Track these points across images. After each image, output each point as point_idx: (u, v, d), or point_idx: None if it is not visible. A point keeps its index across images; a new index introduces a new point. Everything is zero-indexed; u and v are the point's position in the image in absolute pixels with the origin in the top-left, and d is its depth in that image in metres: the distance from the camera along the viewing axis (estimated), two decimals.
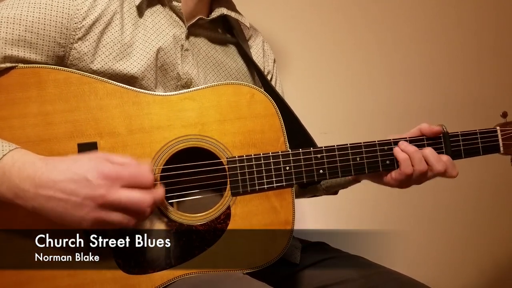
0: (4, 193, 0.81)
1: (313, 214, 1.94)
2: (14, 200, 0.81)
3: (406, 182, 1.03)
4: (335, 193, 1.26)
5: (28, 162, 0.81)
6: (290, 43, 1.93)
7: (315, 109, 1.93)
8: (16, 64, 0.91)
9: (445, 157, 1.02)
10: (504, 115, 1.09)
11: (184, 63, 1.07)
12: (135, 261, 0.92)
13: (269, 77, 1.25)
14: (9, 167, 0.81)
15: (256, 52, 1.23)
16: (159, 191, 0.85)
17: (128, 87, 0.95)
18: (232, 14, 1.14)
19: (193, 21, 1.08)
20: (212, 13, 1.13)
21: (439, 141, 1.04)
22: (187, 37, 1.08)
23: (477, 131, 1.07)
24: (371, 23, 2.01)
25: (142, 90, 0.95)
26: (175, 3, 1.06)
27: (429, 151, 1.01)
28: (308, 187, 1.23)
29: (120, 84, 0.94)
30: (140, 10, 1.04)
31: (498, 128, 1.08)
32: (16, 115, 0.90)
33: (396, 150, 1.02)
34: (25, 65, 0.91)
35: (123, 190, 0.80)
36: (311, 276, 1.15)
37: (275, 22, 1.90)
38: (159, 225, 0.93)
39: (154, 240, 0.93)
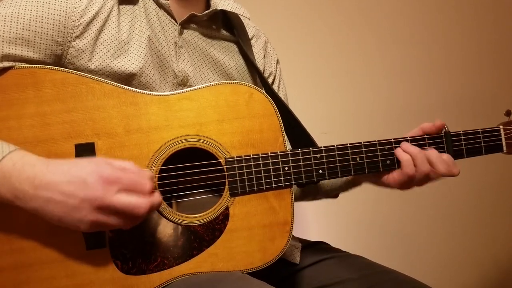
0: (4, 194, 0.81)
1: (313, 214, 1.94)
2: (14, 202, 0.81)
3: (408, 183, 1.02)
4: (336, 196, 1.25)
5: (27, 164, 0.81)
6: (290, 43, 1.94)
7: (315, 109, 1.93)
8: (14, 64, 0.90)
9: (445, 156, 1.02)
10: (508, 113, 1.07)
11: (179, 60, 1.06)
12: (134, 262, 0.92)
13: (271, 79, 1.24)
14: (8, 169, 0.81)
15: (257, 52, 1.21)
16: (156, 197, 0.84)
17: (126, 87, 0.94)
18: (228, 8, 1.12)
19: (185, 18, 1.07)
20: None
21: (441, 140, 1.04)
22: (180, 34, 1.07)
23: (480, 130, 1.06)
24: (371, 23, 2.01)
25: (139, 90, 0.95)
26: (162, 0, 1.05)
27: (431, 153, 1.00)
28: (308, 190, 1.23)
29: (118, 84, 0.94)
30: (135, 6, 1.03)
31: (501, 127, 1.07)
32: (13, 116, 0.89)
33: (398, 151, 1.01)
34: (21, 65, 0.91)
35: (120, 194, 0.80)
36: (311, 276, 1.15)
37: (275, 22, 1.90)
38: (158, 226, 0.93)
39: (152, 241, 0.93)
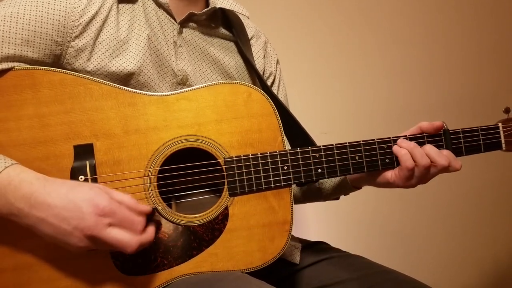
0: None
1: (313, 214, 1.94)
2: (8, 217, 0.83)
3: (409, 178, 1.01)
4: (337, 198, 1.25)
5: (25, 181, 0.82)
6: (290, 43, 1.93)
7: (315, 109, 1.93)
8: (13, 65, 0.90)
9: (445, 151, 1.01)
10: (507, 110, 1.07)
11: (179, 60, 1.06)
12: (133, 262, 0.92)
13: (271, 79, 1.24)
14: (4, 185, 0.81)
15: (256, 52, 1.21)
16: (147, 236, 0.85)
17: (124, 87, 0.94)
18: (227, 6, 1.12)
19: (184, 17, 1.07)
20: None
21: (440, 138, 1.03)
22: (180, 33, 1.07)
23: (479, 128, 1.06)
24: (371, 23, 2.01)
25: (137, 91, 0.95)
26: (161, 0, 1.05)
27: (429, 147, 1.00)
28: (309, 195, 1.23)
29: (116, 85, 0.94)
30: (134, 5, 1.03)
31: (500, 124, 1.07)
32: (12, 118, 0.89)
33: (395, 148, 1.01)
34: (19, 66, 0.91)
35: (112, 229, 0.81)
36: (311, 276, 1.14)
37: (275, 22, 1.90)
38: (157, 226, 0.93)
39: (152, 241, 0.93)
